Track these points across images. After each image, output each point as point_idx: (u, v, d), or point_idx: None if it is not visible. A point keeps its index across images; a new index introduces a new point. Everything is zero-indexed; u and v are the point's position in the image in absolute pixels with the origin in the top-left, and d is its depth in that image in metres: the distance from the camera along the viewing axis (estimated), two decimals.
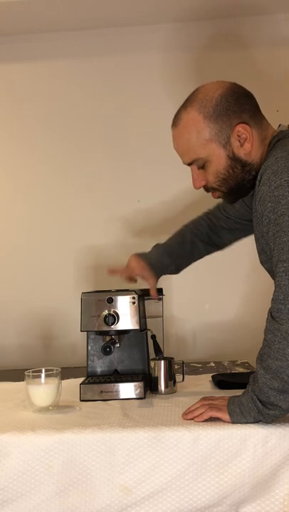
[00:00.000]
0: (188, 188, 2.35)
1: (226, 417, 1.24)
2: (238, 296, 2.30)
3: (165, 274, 1.65)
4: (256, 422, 1.22)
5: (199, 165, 1.29)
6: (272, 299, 1.17)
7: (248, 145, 1.24)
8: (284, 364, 1.14)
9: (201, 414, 1.27)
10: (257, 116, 1.27)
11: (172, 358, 1.60)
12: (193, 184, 1.33)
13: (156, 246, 1.68)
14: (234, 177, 1.27)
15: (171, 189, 2.36)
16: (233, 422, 1.24)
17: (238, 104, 1.24)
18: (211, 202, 2.33)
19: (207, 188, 1.34)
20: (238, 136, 1.23)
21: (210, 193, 1.37)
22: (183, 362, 1.64)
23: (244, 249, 2.31)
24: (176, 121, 1.29)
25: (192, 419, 1.28)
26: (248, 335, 2.27)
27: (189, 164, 1.31)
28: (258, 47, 2.33)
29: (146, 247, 2.34)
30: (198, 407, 1.30)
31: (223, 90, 1.25)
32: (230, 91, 1.25)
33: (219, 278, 2.32)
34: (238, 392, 1.28)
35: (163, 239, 2.34)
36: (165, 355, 1.64)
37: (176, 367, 1.60)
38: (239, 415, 1.23)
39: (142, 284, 1.91)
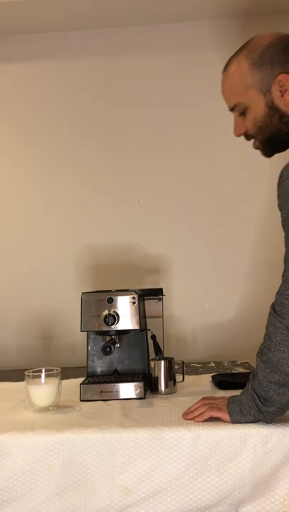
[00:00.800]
0: (188, 188, 2.35)
1: (226, 416, 1.24)
2: (238, 296, 2.30)
3: None
4: (256, 421, 1.23)
5: (240, 110, 1.30)
6: (277, 292, 1.19)
7: (288, 96, 1.24)
8: (286, 355, 1.15)
9: (201, 414, 1.27)
10: None
11: (172, 358, 1.60)
12: (233, 131, 1.34)
13: None
14: (271, 126, 1.27)
15: (171, 189, 2.36)
16: (233, 422, 1.24)
17: (284, 54, 1.24)
18: (211, 202, 2.34)
19: (247, 136, 1.34)
20: (280, 86, 1.24)
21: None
22: (183, 362, 1.65)
23: (244, 249, 2.32)
24: (225, 67, 1.32)
25: (192, 419, 1.28)
26: (248, 335, 2.27)
27: (232, 109, 1.33)
28: None
29: (147, 247, 2.35)
30: (198, 407, 1.30)
31: (273, 39, 1.26)
32: (279, 41, 1.26)
33: (219, 278, 2.32)
34: (238, 392, 1.29)
35: (163, 239, 2.35)
36: (165, 355, 1.65)
37: (176, 367, 1.60)
38: (239, 414, 1.23)
39: (142, 284, 1.91)
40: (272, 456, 1.20)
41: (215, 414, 1.26)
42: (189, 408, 1.32)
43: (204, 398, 1.34)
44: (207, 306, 2.32)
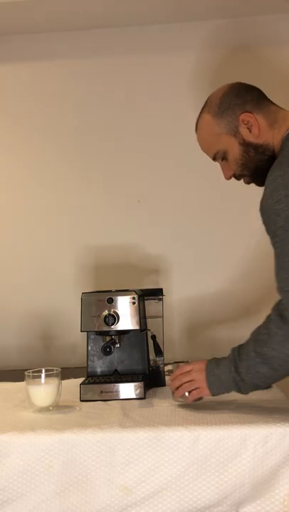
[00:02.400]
0: (189, 188, 2.35)
1: (206, 392, 1.32)
2: (238, 296, 2.30)
3: None
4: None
5: (221, 157, 1.44)
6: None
7: (256, 129, 1.37)
8: (279, 356, 1.21)
9: (185, 394, 1.34)
10: (262, 104, 1.40)
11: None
12: (224, 176, 1.49)
13: None
14: (251, 160, 1.40)
15: (171, 189, 2.36)
16: (213, 395, 1.32)
17: (239, 97, 1.39)
18: (211, 202, 2.34)
19: (236, 176, 1.48)
20: (245, 124, 1.37)
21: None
22: None
23: (245, 250, 2.32)
24: (196, 127, 1.48)
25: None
26: (248, 335, 2.27)
27: (214, 159, 1.47)
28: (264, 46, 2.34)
29: (147, 247, 2.35)
30: (179, 384, 1.36)
31: (225, 90, 1.42)
32: (231, 89, 1.42)
33: (219, 278, 2.32)
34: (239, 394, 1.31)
35: (163, 239, 2.35)
36: (165, 356, 1.64)
37: None
38: (219, 388, 1.31)
39: (142, 284, 1.91)
40: (272, 456, 1.20)
41: (196, 395, 1.34)
42: (173, 383, 1.38)
43: (180, 368, 1.38)
44: (207, 306, 2.32)
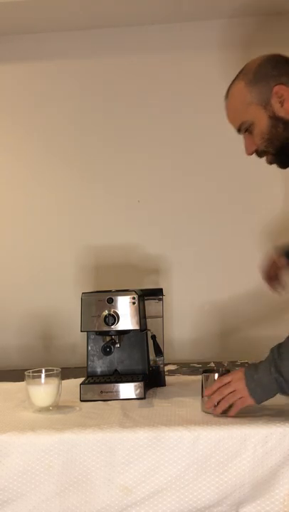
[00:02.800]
0: (189, 188, 2.35)
1: (250, 401, 1.27)
2: (238, 297, 2.30)
3: None
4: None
5: (246, 129, 1.36)
6: None
7: (288, 104, 1.29)
8: None
9: (228, 408, 1.28)
10: None
11: (229, 371, 1.39)
12: (245, 151, 1.40)
13: None
14: (278, 136, 1.32)
15: (171, 189, 2.36)
16: (258, 403, 1.27)
17: (276, 68, 1.32)
18: (211, 202, 2.34)
19: (258, 153, 1.39)
20: (278, 97, 1.30)
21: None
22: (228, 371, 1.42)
23: (245, 249, 2.32)
24: (226, 94, 1.40)
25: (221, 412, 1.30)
26: (248, 335, 2.27)
27: (238, 131, 1.39)
28: None
29: (147, 247, 2.35)
30: (220, 398, 1.29)
31: (263, 59, 1.35)
32: (268, 60, 1.35)
33: (219, 278, 2.32)
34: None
35: (163, 239, 2.35)
36: (166, 356, 1.64)
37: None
38: (262, 394, 1.26)
39: (142, 284, 1.91)
40: (272, 456, 1.20)
41: (241, 405, 1.27)
42: (211, 398, 1.30)
43: (219, 381, 1.31)
44: (207, 306, 2.32)
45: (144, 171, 2.37)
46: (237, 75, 1.37)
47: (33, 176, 2.42)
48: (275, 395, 1.27)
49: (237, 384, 1.28)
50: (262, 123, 1.32)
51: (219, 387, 1.30)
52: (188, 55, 2.36)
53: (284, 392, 1.25)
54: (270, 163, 1.41)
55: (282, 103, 1.30)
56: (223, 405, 1.29)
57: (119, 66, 2.39)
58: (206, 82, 2.34)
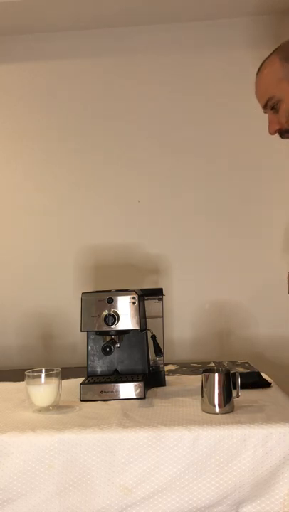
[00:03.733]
0: (188, 188, 2.35)
1: None
2: (239, 296, 2.30)
3: None
4: None
5: (272, 105, 1.36)
6: None
7: None
8: None
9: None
10: None
11: (229, 370, 1.39)
12: (268, 129, 1.40)
13: None
14: None
15: (171, 189, 2.36)
16: None
17: None
18: (211, 202, 2.34)
19: (281, 133, 1.40)
20: None
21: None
22: (238, 373, 1.43)
23: (244, 249, 2.32)
24: (259, 69, 1.41)
25: None
26: (248, 335, 2.27)
27: (265, 107, 1.39)
28: None
29: (146, 247, 2.35)
30: None
31: None
32: None
33: (219, 278, 2.32)
34: (245, 392, 1.35)
35: (163, 239, 2.35)
36: (166, 356, 1.64)
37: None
38: None
39: (142, 284, 1.91)
40: (272, 456, 1.20)
41: None
42: None
43: None
44: (207, 306, 2.32)
45: (144, 171, 2.37)
46: (272, 52, 1.38)
47: (33, 175, 2.42)
48: None
49: None
50: None
51: None
52: (188, 55, 2.36)
53: None
54: None
55: None
56: None
57: (119, 66, 2.39)
58: (206, 82, 2.34)
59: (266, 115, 1.44)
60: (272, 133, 1.40)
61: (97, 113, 2.39)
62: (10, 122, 2.43)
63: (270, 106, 1.37)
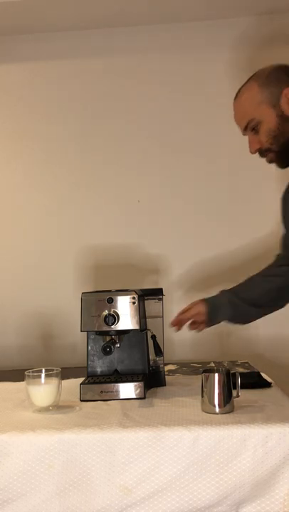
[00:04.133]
0: (188, 188, 2.35)
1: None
2: None
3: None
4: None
5: (253, 127, 1.46)
6: None
7: None
8: None
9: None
10: None
11: (229, 371, 1.39)
12: (249, 149, 1.50)
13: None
14: (283, 134, 1.44)
15: (171, 189, 2.36)
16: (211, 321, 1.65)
17: (287, 76, 1.44)
18: (211, 202, 2.34)
19: (261, 152, 1.49)
20: (287, 98, 1.41)
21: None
22: (237, 373, 1.42)
23: (244, 250, 2.32)
24: (236, 95, 1.51)
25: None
26: (248, 335, 2.27)
27: (245, 129, 1.49)
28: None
29: (147, 247, 2.35)
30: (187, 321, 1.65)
31: (276, 66, 1.47)
32: (281, 66, 1.47)
33: (219, 278, 2.31)
34: (246, 392, 1.39)
35: (163, 239, 2.35)
36: (166, 356, 1.64)
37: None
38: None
39: (142, 284, 1.90)
40: (272, 456, 1.20)
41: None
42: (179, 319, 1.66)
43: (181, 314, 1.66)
44: None
45: (144, 171, 2.37)
46: (248, 79, 1.49)
47: (33, 176, 2.42)
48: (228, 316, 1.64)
49: (199, 316, 1.65)
50: (271, 121, 1.43)
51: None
52: (188, 55, 2.36)
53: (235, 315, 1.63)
54: (271, 161, 1.50)
55: None
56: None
57: (119, 66, 2.39)
58: (207, 82, 2.34)
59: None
60: (253, 152, 1.50)
61: (97, 113, 2.40)
62: (10, 122, 2.43)
63: (251, 128, 1.47)
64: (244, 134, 1.52)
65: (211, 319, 1.67)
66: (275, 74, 1.45)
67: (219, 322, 1.70)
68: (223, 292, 1.72)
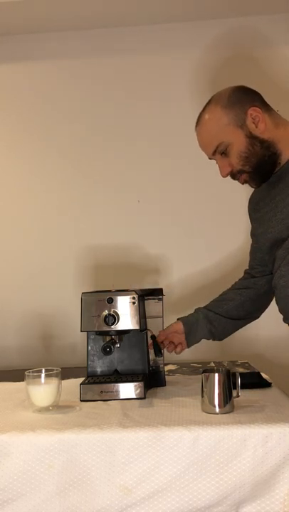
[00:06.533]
0: (188, 188, 2.35)
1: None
2: None
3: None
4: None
5: (222, 150, 1.44)
6: None
7: (262, 125, 1.40)
8: None
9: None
10: (267, 105, 1.45)
11: (229, 371, 1.39)
12: (220, 173, 1.48)
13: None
14: (255, 154, 1.42)
15: (171, 189, 2.36)
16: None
17: (248, 95, 1.44)
18: (211, 202, 2.34)
19: (233, 174, 1.48)
20: (252, 118, 1.40)
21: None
22: (237, 373, 1.42)
23: (244, 250, 2.31)
24: (199, 121, 1.48)
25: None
26: (248, 335, 2.27)
27: (213, 153, 1.47)
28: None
29: (147, 247, 2.35)
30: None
31: (234, 87, 1.46)
32: (239, 87, 1.46)
33: (219, 278, 2.32)
34: (247, 391, 1.41)
35: (163, 239, 2.35)
36: (166, 356, 1.64)
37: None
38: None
39: (142, 284, 1.90)
40: (272, 456, 1.20)
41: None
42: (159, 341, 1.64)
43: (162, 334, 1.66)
44: None
45: (144, 171, 2.37)
46: (207, 104, 1.47)
47: (33, 176, 2.42)
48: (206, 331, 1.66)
49: (178, 337, 1.67)
50: (240, 142, 1.41)
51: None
52: (188, 55, 2.36)
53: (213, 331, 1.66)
54: (244, 182, 1.49)
55: (256, 124, 1.40)
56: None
57: (119, 66, 2.39)
58: (207, 82, 2.34)
59: None
60: (224, 175, 1.48)
61: (97, 113, 2.40)
62: (9, 122, 2.43)
63: (220, 151, 1.44)
64: (211, 159, 1.50)
65: (190, 338, 1.67)
66: (235, 95, 1.43)
67: (198, 340, 1.69)
68: (197, 310, 1.71)
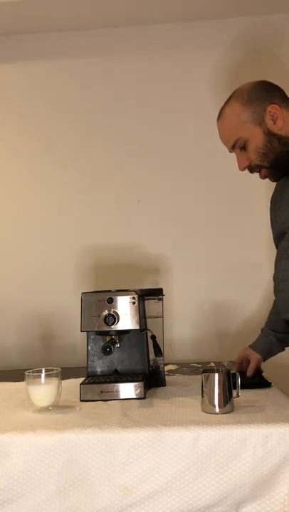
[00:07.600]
0: (188, 188, 2.35)
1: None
2: (238, 296, 2.30)
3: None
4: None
5: (240, 145, 1.49)
6: None
7: (280, 122, 1.44)
8: None
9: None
10: (287, 101, 1.48)
11: (229, 371, 1.39)
12: (238, 166, 1.53)
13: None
14: (272, 150, 1.46)
15: (171, 189, 2.36)
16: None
17: (268, 91, 1.48)
18: (211, 202, 2.34)
19: (251, 168, 1.53)
20: (271, 115, 1.45)
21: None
22: (238, 373, 1.43)
23: (244, 249, 2.32)
24: (219, 115, 1.54)
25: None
26: (248, 335, 2.27)
27: (232, 147, 1.52)
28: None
29: (147, 247, 2.35)
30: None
31: (255, 83, 1.50)
32: (260, 83, 1.50)
33: (219, 278, 2.32)
34: (248, 391, 1.42)
35: (163, 239, 2.35)
36: (166, 356, 1.64)
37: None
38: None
39: (142, 284, 1.90)
40: (272, 456, 1.20)
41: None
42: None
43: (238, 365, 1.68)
44: (207, 306, 2.32)
45: (144, 171, 2.37)
46: (229, 98, 1.52)
47: (33, 176, 2.42)
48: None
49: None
50: (258, 139, 1.46)
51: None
52: (188, 56, 2.36)
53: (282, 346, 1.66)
54: (264, 177, 1.53)
55: (274, 121, 1.44)
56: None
57: (119, 66, 2.39)
58: (207, 82, 2.34)
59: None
60: (242, 169, 1.53)
61: (96, 113, 2.39)
62: (10, 122, 2.43)
63: (238, 146, 1.49)
64: (231, 152, 1.54)
65: (267, 358, 1.71)
66: (255, 91, 1.47)
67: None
68: (267, 333, 1.71)
